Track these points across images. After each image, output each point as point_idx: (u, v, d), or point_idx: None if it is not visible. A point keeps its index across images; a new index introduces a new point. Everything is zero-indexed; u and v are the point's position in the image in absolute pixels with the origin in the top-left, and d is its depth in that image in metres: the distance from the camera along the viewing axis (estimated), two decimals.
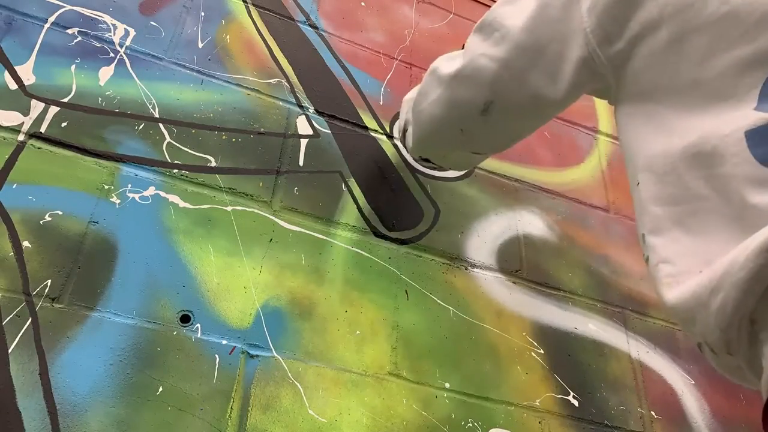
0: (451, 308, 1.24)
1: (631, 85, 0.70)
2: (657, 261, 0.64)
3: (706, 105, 0.59)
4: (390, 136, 1.43)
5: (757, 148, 0.53)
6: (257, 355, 1.03)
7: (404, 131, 1.18)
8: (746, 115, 0.55)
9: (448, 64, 0.96)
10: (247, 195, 1.20)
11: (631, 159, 0.74)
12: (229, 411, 0.97)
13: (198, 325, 1.02)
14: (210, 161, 1.20)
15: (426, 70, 1.60)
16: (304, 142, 1.32)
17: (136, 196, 1.11)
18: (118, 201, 1.09)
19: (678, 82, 0.63)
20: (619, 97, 0.74)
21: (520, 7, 0.82)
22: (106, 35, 1.26)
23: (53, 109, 1.13)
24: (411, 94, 1.20)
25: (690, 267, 0.58)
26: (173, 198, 1.13)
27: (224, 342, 1.02)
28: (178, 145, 1.20)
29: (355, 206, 1.29)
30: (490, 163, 1.51)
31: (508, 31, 0.83)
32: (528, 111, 0.87)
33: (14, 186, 1.03)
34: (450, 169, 1.19)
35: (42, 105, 1.12)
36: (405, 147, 1.21)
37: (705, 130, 0.58)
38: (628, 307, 1.43)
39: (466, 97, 0.91)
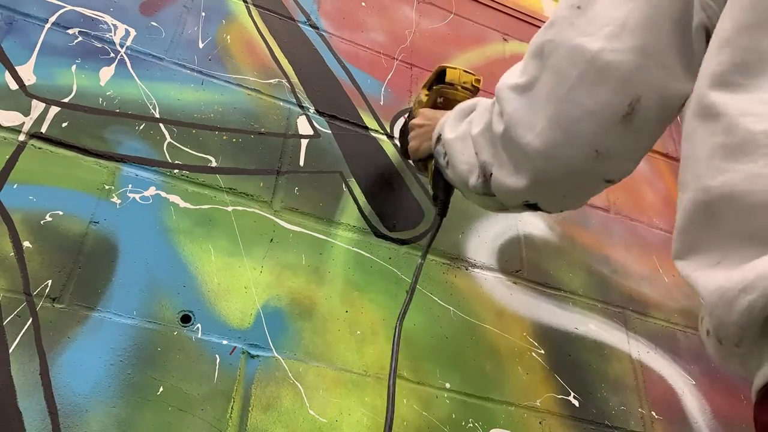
0: (451, 308, 1.24)
1: None
2: (674, 255, 0.63)
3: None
4: (390, 136, 1.43)
5: None
6: (258, 356, 1.03)
7: (487, 176, 0.90)
8: None
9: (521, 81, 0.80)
10: (247, 195, 1.20)
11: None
12: (229, 411, 0.97)
13: (198, 325, 1.02)
14: (210, 161, 1.20)
15: (426, 70, 1.61)
16: (304, 142, 1.32)
17: (137, 197, 1.11)
18: (118, 201, 1.09)
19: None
20: None
21: None
22: (107, 35, 1.26)
23: (54, 110, 1.13)
24: (470, 129, 0.93)
25: (703, 259, 0.58)
26: (174, 198, 1.13)
27: (225, 342, 1.03)
28: (178, 145, 1.20)
29: (356, 206, 1.29)
30: None
31: (623, 20, 0.70)
32: (668, 103, 0.73)
33: (15, 186, 1.03)
34: (563, 210, 0.95)
35: (43, 105, 1.13)
36: (496, 197, 0.92)
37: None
38: (629, 307, 1.43)
39: (600, 105, 0.73)
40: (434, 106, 1.18)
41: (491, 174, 0.88)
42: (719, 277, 0.55)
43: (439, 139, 1.02)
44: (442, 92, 1.18)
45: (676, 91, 0.71)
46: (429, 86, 1.23)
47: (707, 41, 0.66)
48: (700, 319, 0.63)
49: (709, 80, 0.60)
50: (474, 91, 1.17)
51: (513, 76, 0.83)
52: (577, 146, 0.76)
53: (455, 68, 1.18)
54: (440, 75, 1.19)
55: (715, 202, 0.56)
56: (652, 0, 0.69)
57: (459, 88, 1.17)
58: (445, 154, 0.99)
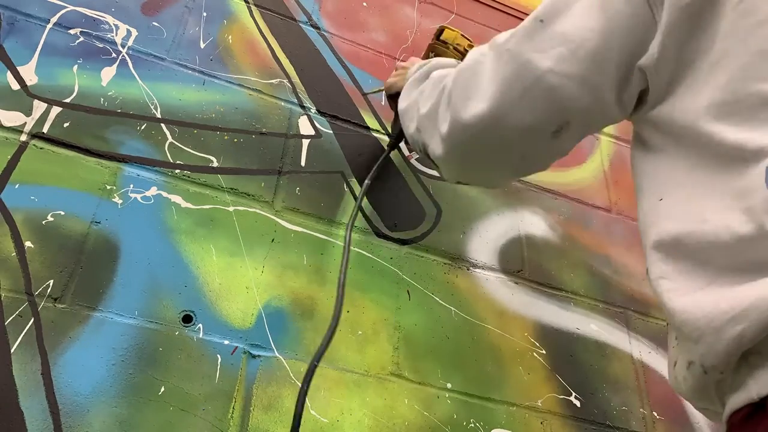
0: (452, 308, 1.24)
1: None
2: (657, 276, 0.63)
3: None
4: (392, 137, 1.43)
5: None
6: (259, 355, 1.03)
7: (425, 152, 1.00)
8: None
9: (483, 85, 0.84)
10: (249, 195, 1.20)
11: (655, 177, 0.71)
12: (231, 411, 0.97)
13: (200, 325, 1.03)
14: (212, 161, 1.20)
15: None
16: (305, 142, 1.32)
17: (138, 197, 1.11)
18: (120, 201, 1.09)
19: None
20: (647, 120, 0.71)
21: (580, 13, 0.74)
22: (108, 35, 1.27)
23: (56, 110, 1.13)
24: (412, 104, 1.03)
25: (688, 284, 0.58)
26: (175, 198, 1.13)
27: (226, 342, 1.03)
28: (180, 145, 1.20)
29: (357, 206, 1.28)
30: None
31: (576, 46, 0.73)
32: (596, 127, 0.82)
33: (16, 186, 1.03)
34: (486, 187, 1.11)
35: (44, 105, 1.13)
36: (434, 167, 1.12)
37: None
38: (630, 307, 1.43)
39: (536, 121, 0.79)
40: (426, 59, 1.22)
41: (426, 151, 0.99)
42: (706, 303, 0.55)
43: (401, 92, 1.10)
44: (435, 47, 1.26)
45: (603, 121, 0.79)
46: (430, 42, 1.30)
47: (643, 79, 0.71)
48: (675, 346, 0.63)
49: None
50: (464, 54, 1.22)
51: (472, 58, 0.89)
52: (506, 148, 0.85)
53: (454, 30, 1.25)
54: (439, 33, 1.26)
55: (679, 243, 0.61)
56: (607, 35, 0.72)
57: (450, 48, 1.24)
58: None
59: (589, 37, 0.72)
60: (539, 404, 1.20)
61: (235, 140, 1.25)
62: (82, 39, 1.24)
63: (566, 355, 1.29)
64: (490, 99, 0.81)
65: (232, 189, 1.19)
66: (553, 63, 0.75)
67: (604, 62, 0.72)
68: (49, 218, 1.02)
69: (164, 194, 1.13)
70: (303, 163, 1.29)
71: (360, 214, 1.28)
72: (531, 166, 0.91)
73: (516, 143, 0.84)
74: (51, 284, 0.97)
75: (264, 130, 1.29)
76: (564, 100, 0.76)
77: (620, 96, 0.74)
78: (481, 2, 1.86)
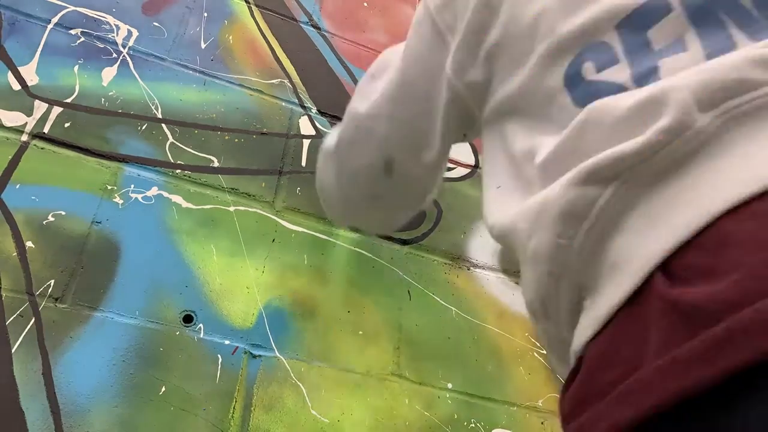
0: (453, 309, 1.24)
1: (488, 111, 0.68)
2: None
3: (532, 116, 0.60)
4: None
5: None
6: (260, 356, 1.04)
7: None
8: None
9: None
10: (249, 195, 1.20)
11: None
12: (231, 411, 0.97)
13: (201, 325, 1.03)
14: (213, 161, 1.20)
15: None
16: (306, 142, 1.32)
17: (139, 197, 1.11)
18: (121, 201, 1.09)
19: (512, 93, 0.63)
20: (482, 124, 0.71)
21: (394, 64, 0.79)
22: (109, 36, 1.27)
23: (56, 110, 1.13)
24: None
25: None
26: (176, 198, 1.13)
27: (227, 342, 1.03)
28: (180, 145, 1.20)
29: None
30: None
31: (385, 87, 0.79)
32: (421, 161, 0.82)
33: (17, 186, 1.03)
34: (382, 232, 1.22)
35: (45, 105, 1.13)
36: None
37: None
38: None
39: (364, 163, 0.86)
40: None
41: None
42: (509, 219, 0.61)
43: None
44: None
45: (428, 150, 0.79)
46: None
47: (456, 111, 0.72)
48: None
49: None
50: None
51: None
52: (359, 192, 0.92)
53: None
54: None
55: None
56: (405, 73, 0.76)
57: None
58: None
59: (393, 78, 0.77)
60: (540, 404, 1.20)
61: (236, 140, 1.25)
62: (82, 39, 1.24)
63: None
64: (335, 150, 0.91)
65: (232, 189, 1.19)
66: (368, 108, 0.81)
67: (405, 98, 0.76)
68: (50, 218, 1.02)
69: (165, 194, 1.13)
70: (304, 164, 1.29)
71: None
72: (392, 204, 0.94)
73: (362, 184, 0.89)
74: (52, 284, 0.97)
75: (265, 130, 1.30)
76: (379, 138, 0.81)
77: (442, 121, 0.74)
78: None
